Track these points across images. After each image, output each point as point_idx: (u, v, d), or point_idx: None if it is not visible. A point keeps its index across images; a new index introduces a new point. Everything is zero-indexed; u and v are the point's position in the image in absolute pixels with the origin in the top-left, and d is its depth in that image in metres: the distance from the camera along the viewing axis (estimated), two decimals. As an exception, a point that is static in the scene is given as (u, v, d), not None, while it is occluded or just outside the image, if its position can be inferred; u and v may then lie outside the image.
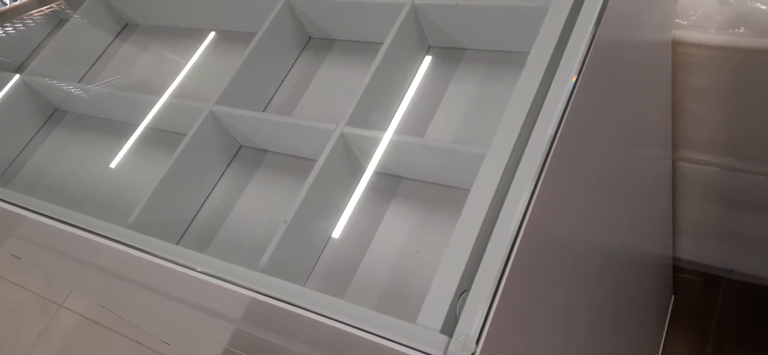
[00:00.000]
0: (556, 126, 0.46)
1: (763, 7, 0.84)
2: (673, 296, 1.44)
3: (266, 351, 0.75)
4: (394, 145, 0.58)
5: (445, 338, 0.39)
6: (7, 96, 0.85)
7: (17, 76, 0.86)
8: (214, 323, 0.75)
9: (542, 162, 0.45)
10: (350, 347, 0.48)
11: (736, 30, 0.86)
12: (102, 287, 1.07)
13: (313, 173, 0.57)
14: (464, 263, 0.42)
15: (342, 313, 0.43)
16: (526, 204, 0.43)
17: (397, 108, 0.66)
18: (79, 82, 0.92)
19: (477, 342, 0.38)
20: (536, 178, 0.44)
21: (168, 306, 0.82)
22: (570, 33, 0.50)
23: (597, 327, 0.76)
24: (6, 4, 0.93)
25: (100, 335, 1.92)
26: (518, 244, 0.41)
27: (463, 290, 0.42)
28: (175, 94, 0.83)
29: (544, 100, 0.48)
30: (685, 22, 0.90)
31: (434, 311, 0.41)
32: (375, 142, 0.59)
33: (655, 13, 0.78)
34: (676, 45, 0.90)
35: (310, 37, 0.79)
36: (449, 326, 0.40)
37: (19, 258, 1.37)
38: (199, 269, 0.50)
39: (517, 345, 0.46)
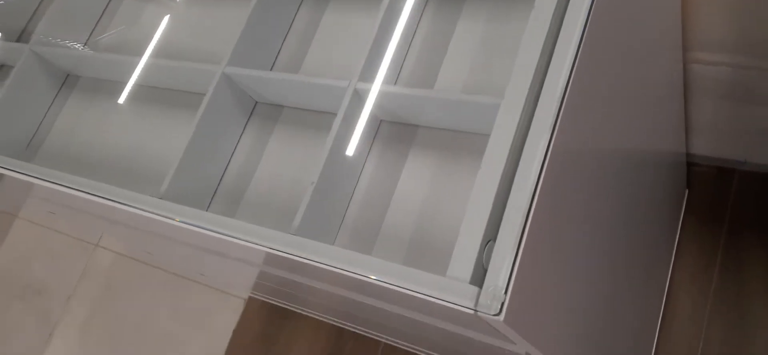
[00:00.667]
0: (572, 61, 0.47)
1: None
2: (686, 190, 1.47)
3: (294, 285, 0.80)
4: (406, 98, 0.59)
5: (475, 288, 0.42)
6: (20, 69, 0.86)
7: (27, 47, 0.87)
8: (248, 269, 0.79)
9: (560, 102, 0.46)
10: (383, 294, 0.51)
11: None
12: (135, 242, 1.12)
13: (332, 133, 0.58)
14: (488, 213, 0.45)
15: (375, 270, 0.46)
16: (545, 147, 0.45)
17: (406, 54, 0.67)
18: (86, 43, 0.93)
19: (506, 291, 0.41)
20: (554, 119, 0.45)
21: (203, 257, 0.86)
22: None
23: (616, 235, 0.80)
24: (1, -27, 0.92)
25: (138, 270, 2.02)
26: (539, 187, 0.44)
27: (488, 240, 0.45)
28: (185, 53, 0.83)
29: (558, 32, 0.48)
30: None
31: (462, 262, 0.44)
32: (388, 96, 0.60)
33: None
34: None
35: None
36: (478, 277, 0.43)
37: (54, 213, 1.43)
38: (236, 236, 0.53)
39: (544, 284, 0.50)
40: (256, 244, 0.53)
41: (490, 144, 0.47)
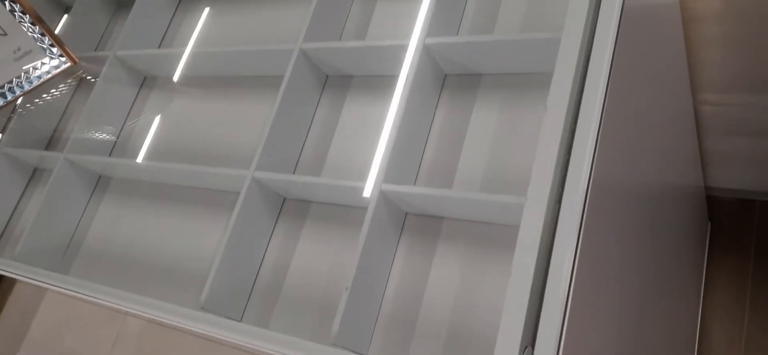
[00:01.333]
0: (592, 153, 0.49)
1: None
2: (709, 223, 1.47)
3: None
4: (428, 198, 0.61)
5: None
6: (56, 177, 0.90)
7: (61, 156, 0.91)
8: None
9: (584, 198, 0.48)
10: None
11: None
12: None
13: (362, 235, 0.61)
14: (523, 319, 0.46)
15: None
16: (574, 246, 0.47)
17: (425, 144, 0.70)
18: (116, 138, 0.97)
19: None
20: (581, 215, 0.47)
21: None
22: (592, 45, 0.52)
23: (647, 289, 0.81)
24: (33, 84, 0.97)
25: (169, 336, 2.04)
26: (572, 289, 0.45)
27: (526, 346, 0.47)
28: (211, 154, 0.87)
29: (575, 121, 0.51)
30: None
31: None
32: (411, 195, 0.62)
33: None
34: (684, 1, 0.90)
35: (327, 77, 0.82)
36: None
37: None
38: (281, 351, 0.55)
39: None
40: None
41: (518, 249, 0.49)
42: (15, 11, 0.91)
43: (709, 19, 0.94)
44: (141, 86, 1.00)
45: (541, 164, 0.52)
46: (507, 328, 0.47)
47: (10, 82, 0.97)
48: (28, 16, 0.91)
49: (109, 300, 0.71)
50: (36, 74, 0.96)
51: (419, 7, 0.77)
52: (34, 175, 1.07)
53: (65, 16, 1.13)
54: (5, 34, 0.94)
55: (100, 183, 0.97)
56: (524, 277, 0.48)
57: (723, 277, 1.41)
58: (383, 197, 0.63)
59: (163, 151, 0.92)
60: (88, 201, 0.96)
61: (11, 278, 2.46)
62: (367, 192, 0.63)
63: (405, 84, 0.65)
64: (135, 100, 1.00)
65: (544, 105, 0.64)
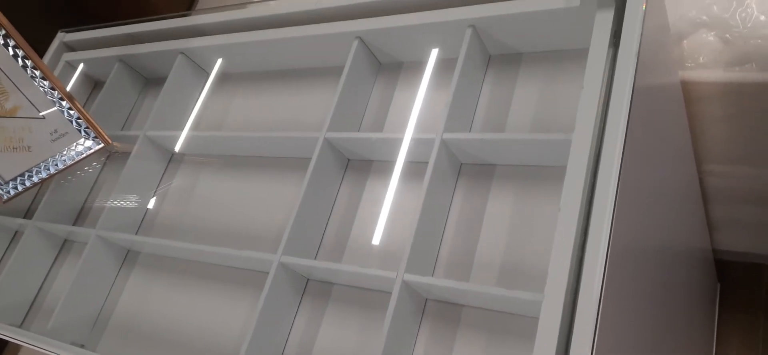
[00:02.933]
0: (605, 255, 0.54)
1: (768, 45, 0.88)
2: (718, 284, 1.49)
3: None
4: (448, 290, 0.65)
5: None
6: (88, 253, 0.95)
7: (93, 232, 0.95)
8: None
9: (600, 290, 0.52)
10: None
11: (744, 66, 0.91)
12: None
13: (385, 327, 0.64)
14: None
15: None
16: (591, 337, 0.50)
17: (443, 231, 0.74)
18: (145, 213, 1.02)
19: None
20: (597, 310, 0.51)
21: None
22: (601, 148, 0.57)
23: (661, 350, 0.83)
24: (67, 164, 1.02)
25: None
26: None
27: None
28: (236, 231, 0.91)
29: (588, 222, 0.55)
30: (692, 64, 0.95)
31: None
32: (433, 287, 0.66)
33: (662, 58, 0.83)
34: (686, 84, 0.95)
35: (349, 160, 0.87)
36: None
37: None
38: None
39: None
40: None
41: (537, 346, 0.53)
42: (53, 96, 0.97)
43: (709, 98, 0.99)
44: (169, 162, 1.06)
45: (557, 262, 0.56)
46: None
47: (46, 161, 1.02)
48: (65, 101, 0.97)
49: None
50: (70, 154, 1.01)
51: (431, 98, 0.82)
52: (64, 246, 1.11)
53: (97, 94, 1.19)
54: (43, 118, 0.99)
55: (128, 257, 1.01)
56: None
57: (734, 335, 1.43)
58: (405, 286, 0.66)
59: (189, 226, 0.96)
60: (117, 275, 1.00)
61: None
62: (392, 283, 0.67)
63: (426, 177, 0.70)
64: (163, 175, 1.05)
65: (557, 196, 0.68)
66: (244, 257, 0.80)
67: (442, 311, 0.70)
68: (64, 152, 1.01)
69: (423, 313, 0.71)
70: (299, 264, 0.75)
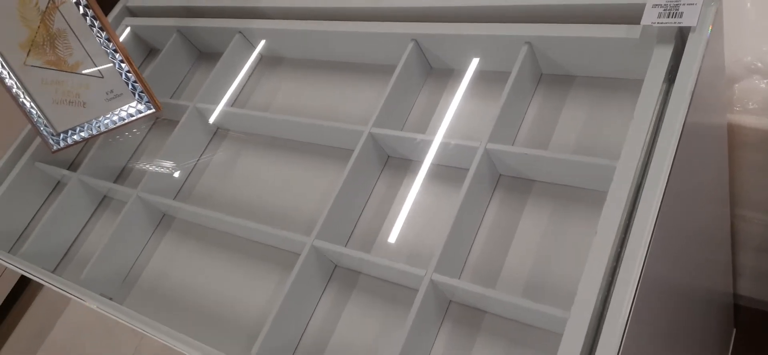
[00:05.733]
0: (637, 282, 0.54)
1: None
2: (734, 330, 1.47)
3: None
4: (472, 295, 0.66)
5: None
6: (127, 211, 0.98)
7: (135, 192, 0.99)
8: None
9: (625, 321, 0.53)
10: None
11: (792, 118, 0.90)
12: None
13: (407, 325, 0.66)
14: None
15: None
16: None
17: (474, 238, 0.75)
18: (184, 182, 1.05)
19: None
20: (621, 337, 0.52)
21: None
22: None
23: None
24: (117, 124, 1.06)
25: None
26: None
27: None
28: (270, 210, 0.94)
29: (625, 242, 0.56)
30: (740, 109, 0.94)
31: None
32: (458, 290, 0.67)
33: (713, 100, 0.83)
34: (732, 127, 0.95)
35: (389, 157, 0.89)
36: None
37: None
38: None
39: None
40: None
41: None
42: (114, 58, 1.01)
43: (753, 145, 0.99)
44: (213, 135, 1.09)
45: (587, 283, 0.57)
46: None
47: (98, 119, 1.06)
48: (125, 63, 1.01)
49: (166, 338, 0.77)
50: (122, 115, 1.05)
51: (477, 108, 0.84)
52: (102, 203, 1.15)
53: (150, 61, 1.23)
54: (102, 78, 1.04)
55: (163, 221, 1.04)
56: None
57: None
58: (432, 285, 0.68)
59: (226, 199, 0.99)
60: (150, 237, 1.03)
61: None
62: (418, 280, 0.68)
63: (465, 182, 0.72)
64: (206, 147, 1.08)
65: (592, 220, 0.69)
66: (280, 236, 0.82)
67: (464, 315, 0.71)
68: (117, 112, 1.05)
69: (445, 314, 0.72)
70: (331, 249, 0.77)
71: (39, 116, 1.08)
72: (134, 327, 0.84)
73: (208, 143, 1.08)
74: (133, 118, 1.05)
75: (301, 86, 1.05)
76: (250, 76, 1.11)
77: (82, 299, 0.93)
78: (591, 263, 0.57)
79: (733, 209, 1.16)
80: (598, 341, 0.54)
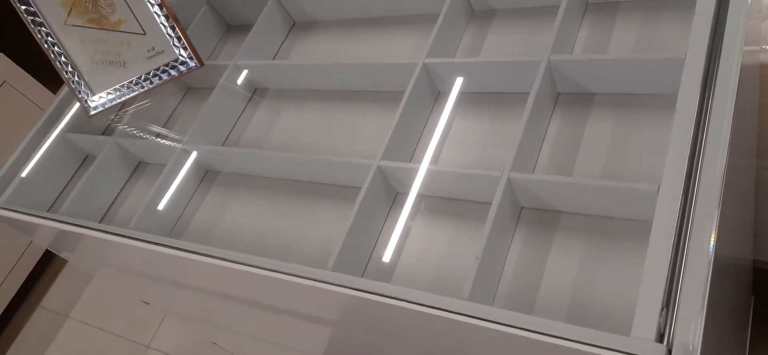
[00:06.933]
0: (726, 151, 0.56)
1: None
2: (752, 297, 1.50)
3: None
4: (544, 184, 0.68)
5: (663, 347, 0.49)
6: (173, 164, 0.98)
7: (179, 147, 0.99)
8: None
9: (720, 190, 0.54)
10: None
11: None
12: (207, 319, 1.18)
13: (490, 219, 0.67)
14: (663, 284, 0.52)
15: (564, 331, 0.53)
16: (713, 230, 0.53)
17: (541, 148, 0.77)
18: (223, 144, 1.05)
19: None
20: (718, 205, 0.54)
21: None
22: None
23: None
24: (161, 80, 1.06)
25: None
26: (712, 268, 0.51)
27: (662, 308, 0.52)
28: (331, 151, 0.95)
29: (706, 131, 0.58)
30: (768, 47, 0.99)
31: (645, 325, 0.51)
32: (534, 183, 0.69)
33: (754, 36, 0.87)
34: (764, 67, 0.99)
35: (439, 92, 0.91)
36: (660, 338, 0.50)
37: (148, 303, 1.50)
38: (421, 303, 0.60)
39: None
40: (431, 306, 0.60)
41: (655, 224, 0.56)
42: (158, 14, 1.02)
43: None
44: (253, 93, 1.10)
45: (673, 161, 0.59)
46: (648, 290, 0.53)
47: (139, 79, 1.07)
48: (169, 18, 1.02)
49: (240, 266, 0.76)
50: (163, 73, 1.06)
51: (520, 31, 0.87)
52: (138, 168, 1.15)
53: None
54: (144, 34, 1.04)
55: (207, 177, 1.04)
56: (663, 247, 0.54)
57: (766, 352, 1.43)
58: (508, 185, 0.70)
59: (275, 147, 1.00)
60: (196, 189, 1.03)
61: (32, 303, 2.49)
62: (495, 185, 0.70)
63: (528, 102, 0.74)
64: (246, 106, 1.09)
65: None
66: (342, 163, 0.83)
67: (539, 219, 0.73)
68: (157, 70, 1.06)
69: (518, 221, 0.74)
70: (398, 167, 0.78)
71: (78, 79, 1.08)
72: (202, 262, 0.82)
73: (248, 101, 1.09)
74: (176, 74, 1.06)
75: (340, 44, 1.07)
76: (284, 40, 1.13)
77: (137, 242, 0.91)
78: (673, 149, 0.59)
79: (759, 160, 1.20)
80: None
